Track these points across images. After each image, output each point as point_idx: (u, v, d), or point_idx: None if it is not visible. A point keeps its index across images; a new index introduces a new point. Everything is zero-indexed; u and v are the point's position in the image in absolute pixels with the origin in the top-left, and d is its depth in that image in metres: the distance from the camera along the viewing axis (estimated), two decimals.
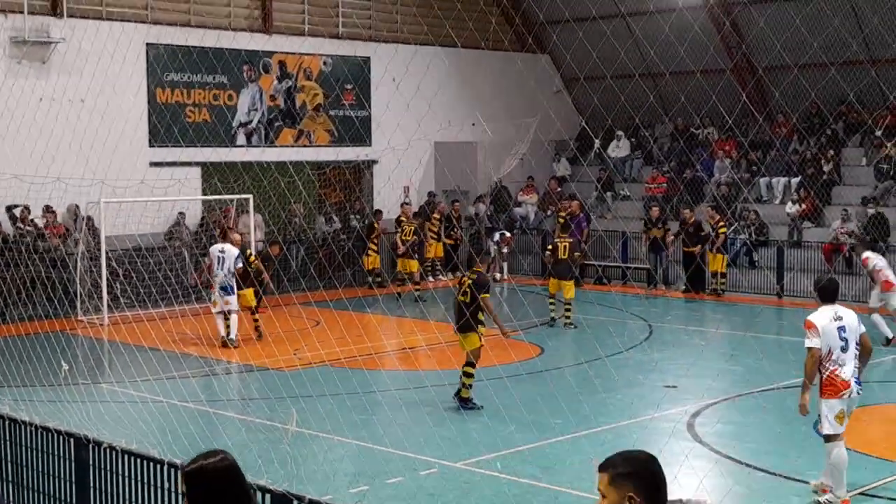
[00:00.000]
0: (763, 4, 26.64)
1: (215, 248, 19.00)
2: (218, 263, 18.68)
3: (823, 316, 10.00)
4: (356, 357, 16.64)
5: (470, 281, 13.80)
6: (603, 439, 12.40)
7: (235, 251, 18.72)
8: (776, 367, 16.11)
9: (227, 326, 18.71)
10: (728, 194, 27.18)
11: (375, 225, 26.04)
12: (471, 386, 13.85)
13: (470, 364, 13.83)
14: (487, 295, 13.84)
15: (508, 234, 27.56)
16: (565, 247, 20.55)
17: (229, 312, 18.67)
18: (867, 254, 19.07)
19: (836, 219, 25.32)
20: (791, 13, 23.78)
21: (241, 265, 18.54)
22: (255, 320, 19.07)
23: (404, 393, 14.49)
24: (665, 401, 13.98)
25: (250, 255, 19.21)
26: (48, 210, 22.53)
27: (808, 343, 9.90)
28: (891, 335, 18.27)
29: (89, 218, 22.25)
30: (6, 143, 19.73)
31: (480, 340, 13.80)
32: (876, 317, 18.16)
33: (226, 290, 18.59)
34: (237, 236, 19.49)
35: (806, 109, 27.97)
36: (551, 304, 20.85)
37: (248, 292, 19.10)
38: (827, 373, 9.90)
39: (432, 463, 11.41)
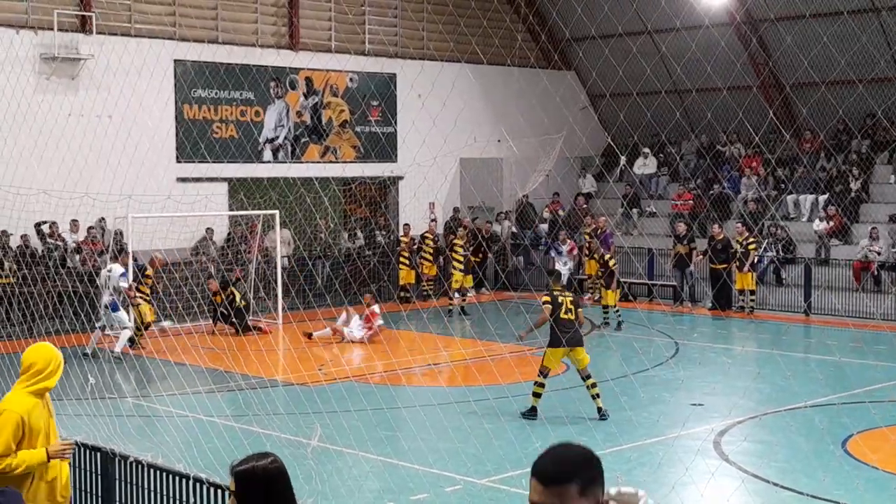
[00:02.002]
0: (790, 21, 26.54)
1: (104, 271, 19.73)
2: (105, 283, 19.39)
3: None
4: (381, 373, 16.63)
5: (572, 297, 14.47)
6: (628, 457, 12.33)
7: (120, 269, 19.39)
8: (804, 385, 15.99)
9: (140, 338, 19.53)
10: (755, 211, 27.04)
11: (403, 239, 26.08)
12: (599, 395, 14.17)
13: (588, 377, 14.19)
14: (581, 310, 14.75)
15: (571, 242, 27.27)
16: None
17: (123, 328, 19.25)
18: None
19: (864, 237, 25.13)
20: (818, 30, 23.68)
21: (125, 284, 19.22)
22: (141, 335, 19.61)
23: (429, 409, 14.46)
24: (691, 419, 13.90)
25: (147, 272, 20.14)
26: (82, 226, 22.84)
27: None
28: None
29: (117, 232, 22.39)
30: (35, 159, 19.89)
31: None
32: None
33: (113, 307, 19.14)
34: (126, 258, 20.36)
35: (833, 126, 27.83)
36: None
37: (144, 306, 19.81)
38: None
39: (457, 480, 11.37)
